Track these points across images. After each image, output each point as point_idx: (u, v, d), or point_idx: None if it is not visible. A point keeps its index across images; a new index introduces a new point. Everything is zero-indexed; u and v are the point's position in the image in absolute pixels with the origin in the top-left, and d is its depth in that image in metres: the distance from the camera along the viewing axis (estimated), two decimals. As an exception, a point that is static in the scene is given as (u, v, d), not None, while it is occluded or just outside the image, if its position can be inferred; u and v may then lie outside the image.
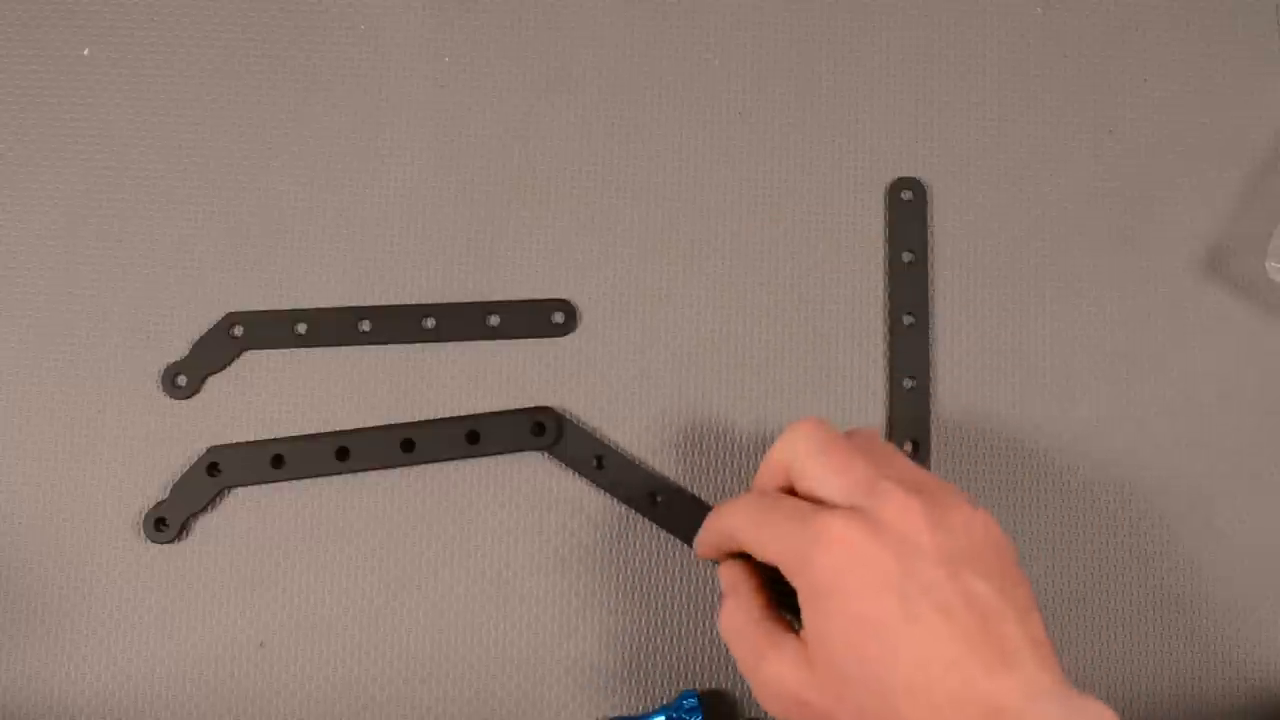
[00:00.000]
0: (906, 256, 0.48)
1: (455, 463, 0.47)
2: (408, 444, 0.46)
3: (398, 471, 0.47)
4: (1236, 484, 0.48)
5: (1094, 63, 0.50)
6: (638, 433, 0.47)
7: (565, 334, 0.48)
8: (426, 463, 0.46)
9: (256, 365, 0.47)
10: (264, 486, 0.46)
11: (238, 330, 0.47)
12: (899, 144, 0.49)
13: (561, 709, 0.46)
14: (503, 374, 0.48)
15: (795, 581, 0.37)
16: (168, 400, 0.47)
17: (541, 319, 0.48)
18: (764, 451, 0.47)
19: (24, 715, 0.45)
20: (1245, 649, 0.47)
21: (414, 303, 0.48)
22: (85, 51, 0.49)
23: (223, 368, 0.47)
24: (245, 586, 0.46)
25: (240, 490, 0.47)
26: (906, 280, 0.48)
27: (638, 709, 0.46)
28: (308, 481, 0.47)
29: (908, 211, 0.49)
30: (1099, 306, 0.49)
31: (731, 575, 0.41)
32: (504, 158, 0.49)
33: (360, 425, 0.47)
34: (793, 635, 0.38)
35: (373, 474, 0.47)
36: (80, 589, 0.46)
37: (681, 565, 0.46)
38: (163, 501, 0.46)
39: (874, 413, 0.48)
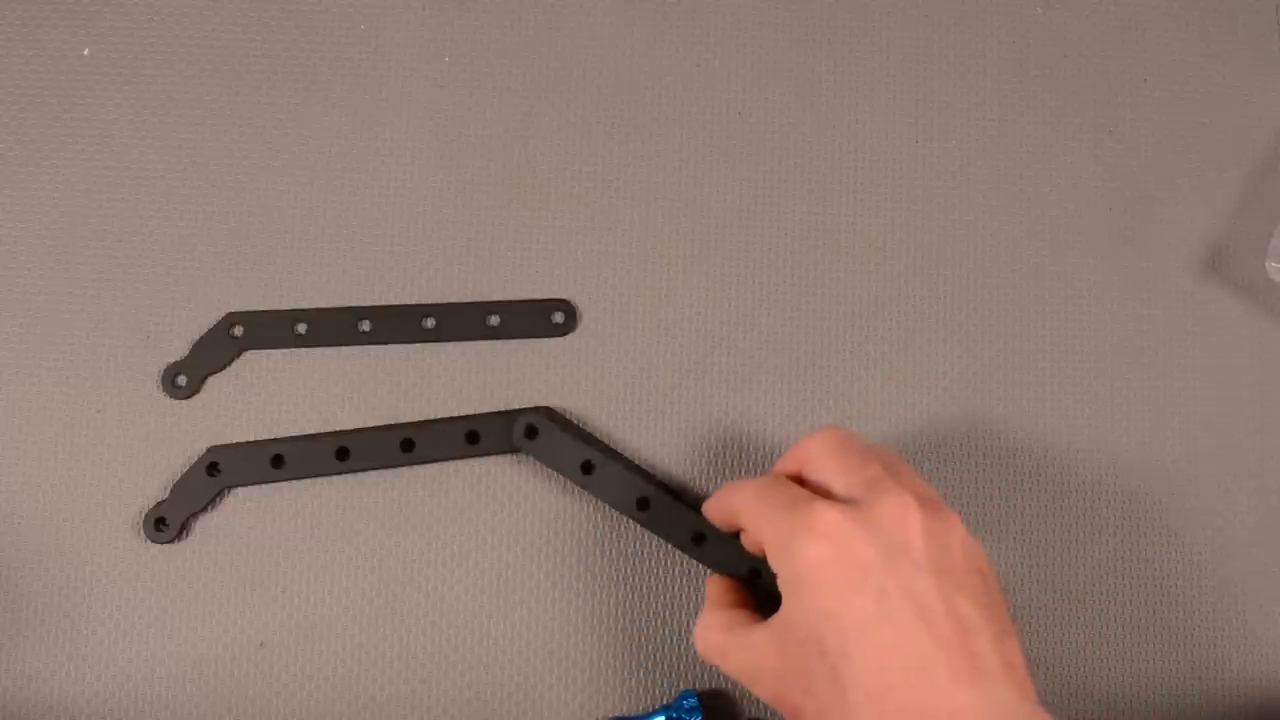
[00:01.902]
0: (906, 256, 0.49)
1: (455, 463, 0.47)
2: (407, 444, 0.46)
3: (398, 471, 0.47)
4: (1237, 484, 0.48)
5: (1094, 63, 0.50)
6: (638, 433, 0.47)
7: (565, 334, 0.48)
8: (426, 463, 0.46)
9: (256, 365, 0.47)
10: (264, 486, 0.46)
11: (238, 330, 0.47)
12: (899, 144, 0.49)
13: (561, 709, 0.46)
14: (503, 374, 0.48)
15: (777, 567, 0.36)
16: (168, 400, 0.47)
17: (541, 319, 0.48)
18: (765, 449, 0.47)
19: (24, 715, 0.45)
20: (1246, 649, 0.47)
21: (414, 303, 0.48)
22: (85, 51, 0.49)
23: (223, 368, 0.47)
24: (245, 586, 0.46)
25: (240, 490, 0.47)
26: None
27: (638, 709, 0.46)
28: (308, 481, 0.47)
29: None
30: (1099, 306, 0.49)
31: (710, 589, 0.43)
32: (504, 158, 0.49)
33: (360, 425, 0.47)
34: (762, 626, 0.37)
35: (373, 474, 0.47)
36: (80, 589, 0.46)
37: (682, 565, 0.46)
38: (163, 501, 0.46)
39: (873, 412, 0.48)
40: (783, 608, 0.36)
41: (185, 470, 0.46)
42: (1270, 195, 0.49)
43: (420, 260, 0.48)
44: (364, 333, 0.47)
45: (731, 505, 0.40)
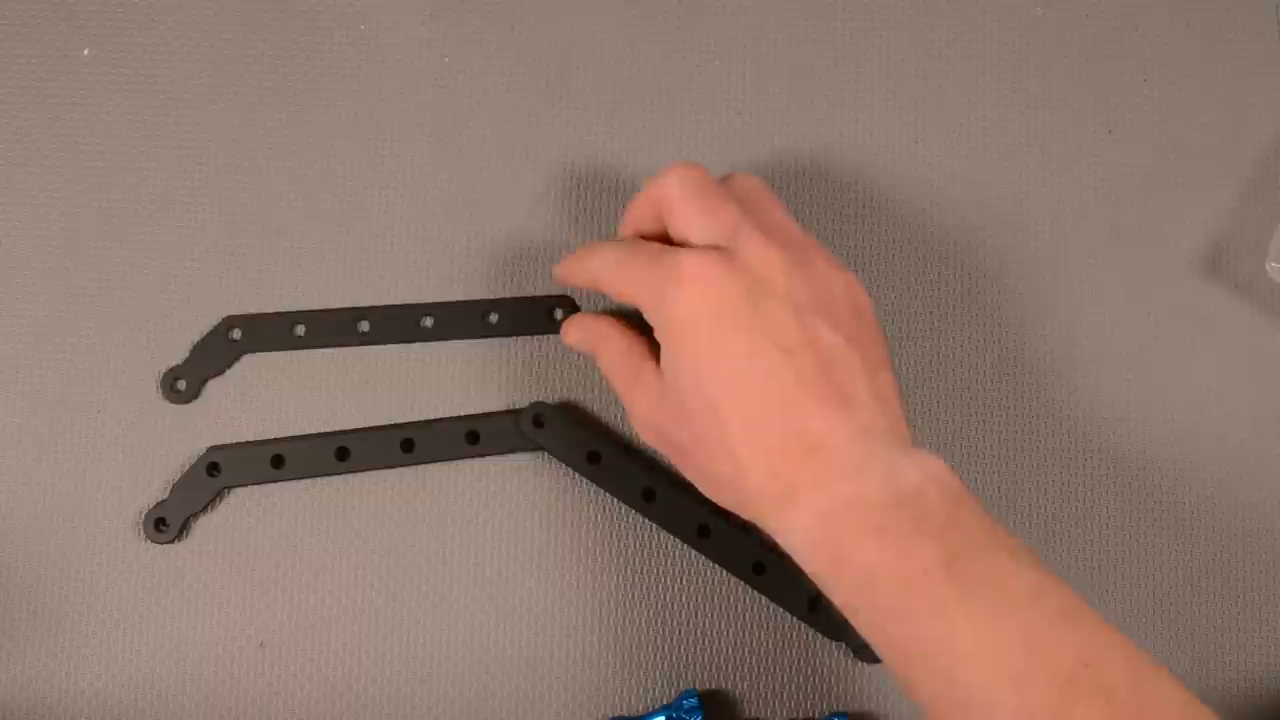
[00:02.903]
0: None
1: (455, 463, 0.47)
2: (407, 444, 0.46)
3: (398, 471, 0.47)
4: (1237, 484, 0.48)
5: (1094, 63, 0.50)
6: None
7: (565, 334, 0.48)
8: (426, 463, 0.46)
9: (256, 367, 0.47)
10: (264, 486, 0.46)
11: (236, 333, 0.47)
12: (899, 144, 0.49)
13: (561, 709, 0.46)
14: (503, 372, 0.47)
15: (652, 319, 0.38)
16: (167, 403, 0.47)
17: (541, 316, 0.48)
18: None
19: (24, 715, 0.45)
20: (1246, 649, 0.47)
21: (413, 302, 0.48)
22: (85, 51, 0.49)
23: (221, 371, 0.47)
24: (245, 586, 0.46)
25: (240, 490, 0.47)
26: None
27: (638, 709, 0.46)
28: (308, 481, 0.47)
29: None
30: (1099, 306, 0.49)
31: (600, 325, 0.42)
32: (504, 158, 0.49)
33: (360, 425, 0.47)
34: (654, 367, 0.39)
35: (373, 474, 0.47)
36: (80, 589, 0.46)
37: (682, 565, 0.46)
38: (163, 501, 0.46)
39: (874, 413, 0.48)
40: (664, 357, 0.38)
41: (185, 470, 0.46)
42: (1270, 195, 0.49)
43: (420, 260, 0.48)
44: (364, 333, 0.47)
45: (591, 269, 0.40)
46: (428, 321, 0.47)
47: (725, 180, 0.40)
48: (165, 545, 0.46)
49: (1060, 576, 0.35)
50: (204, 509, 0.46)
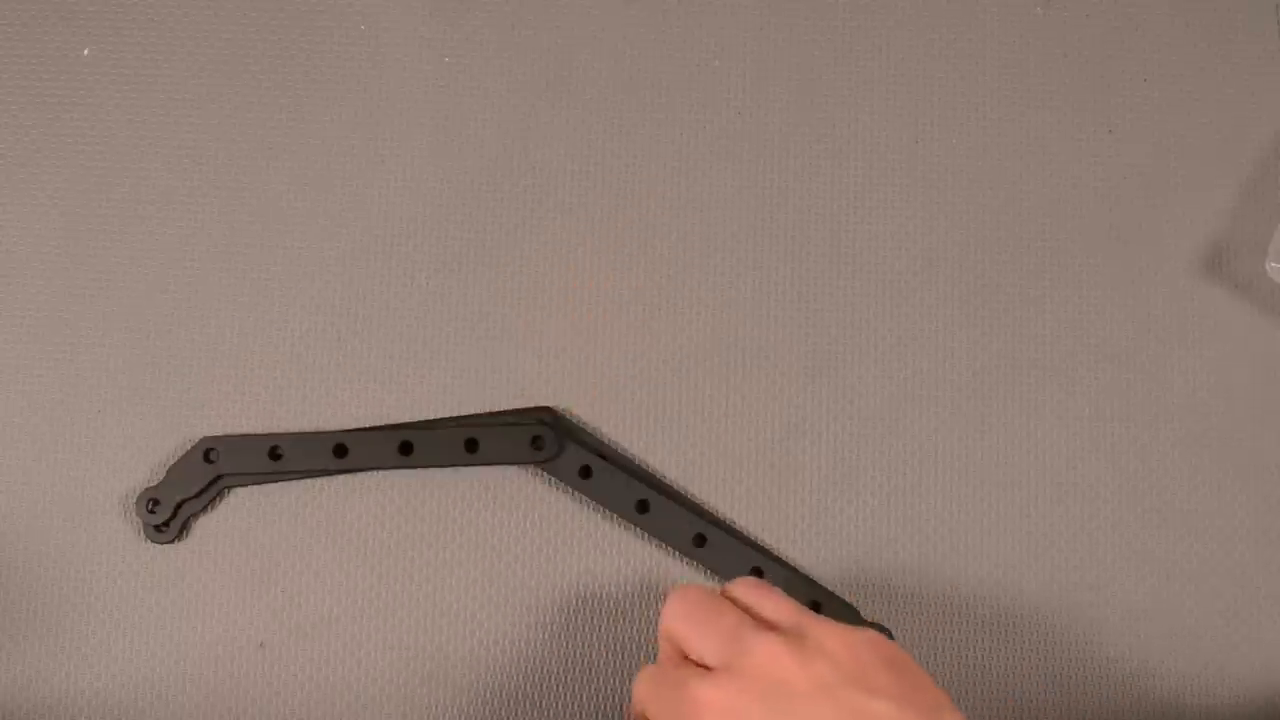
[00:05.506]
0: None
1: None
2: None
3: (398, 472, 0.47)
4: (1237, 484, 0.48)
5: (1094, 63, 0.50)
6: (637, 434, 0.47)
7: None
8: (424, 467, 0.46)
9: (253, 365, 0.47)
10: (264, 486, 0.46)
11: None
12: (898, 144, 0.49)
13: (562, 710, 0.46)
14: (502, 374, 0.47)
15: None
16: (168, 399, 0.47)
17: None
18: (765, 453, 0.47)
19: (24, 715, 0.45)
20: (1246, 650, 0.47)
21: (412, 301, 0.48)
22: (85, 51, 0.49)
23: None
24: (245, 586, 0.46)
25: (240, 490, 0.47)
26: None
27: (638, 709, 0.46)
28: (308, 481, 0.47)
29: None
30: (1099, 306, 0.49)
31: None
32: (504, 158, 0.49)
33: (358, 425, 0.47)
34: None
35: (373, 475, 0.47)
36: (80, 589, 0.46)
37: (682, 568, 0.46)
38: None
39: (872, 413, 0.48)
40: None
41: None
42: (1270, 195, 0.49)
43: (420, 260, 0.48)
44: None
45: (635, 694, 0.38)
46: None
47: (724, 589, 0.39)
48: (165, 545, 0.46)
49: None
50: (204, 509, 0.46)
